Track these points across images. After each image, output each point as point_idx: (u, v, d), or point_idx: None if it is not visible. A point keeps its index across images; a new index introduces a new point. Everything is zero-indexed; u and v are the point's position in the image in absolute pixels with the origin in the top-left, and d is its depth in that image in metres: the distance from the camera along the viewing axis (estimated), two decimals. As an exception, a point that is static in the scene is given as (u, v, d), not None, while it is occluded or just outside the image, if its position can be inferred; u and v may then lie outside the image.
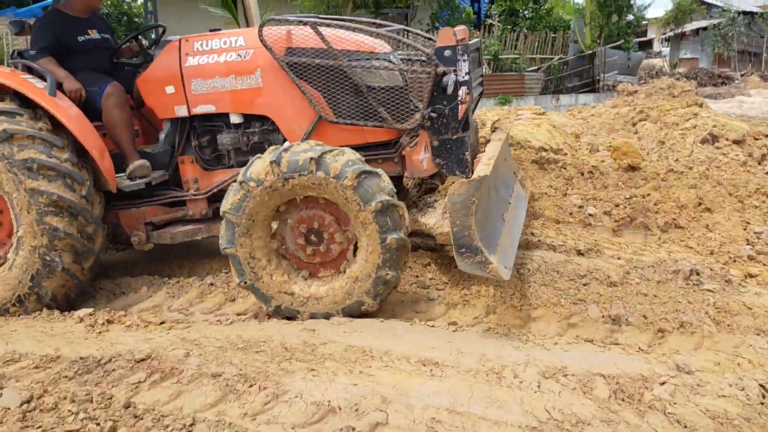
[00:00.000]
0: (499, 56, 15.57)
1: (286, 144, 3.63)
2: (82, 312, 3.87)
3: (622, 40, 17.20)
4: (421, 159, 3.95)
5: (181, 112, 4.23)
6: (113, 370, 3.14)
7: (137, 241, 4.43)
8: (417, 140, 3.94)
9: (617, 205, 4.98)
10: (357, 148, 3.83)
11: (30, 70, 4.28)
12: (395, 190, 3.55)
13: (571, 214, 4.95)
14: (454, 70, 3.76)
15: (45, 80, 4.11)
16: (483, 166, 3.55)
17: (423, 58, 3.90)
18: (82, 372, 3.15)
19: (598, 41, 17.19)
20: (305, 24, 3.94)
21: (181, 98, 4.19)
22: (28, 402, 2.75)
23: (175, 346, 3.34)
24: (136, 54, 4.83)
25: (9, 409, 2.70)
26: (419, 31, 4.56)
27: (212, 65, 4.09)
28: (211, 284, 4.30)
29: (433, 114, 3.83)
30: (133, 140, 4.42)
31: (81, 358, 3.24)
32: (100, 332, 3.63)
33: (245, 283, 3.69)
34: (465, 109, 3.82)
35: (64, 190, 3.91)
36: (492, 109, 6.57)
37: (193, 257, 4.99)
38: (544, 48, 16.80)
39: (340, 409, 2.70)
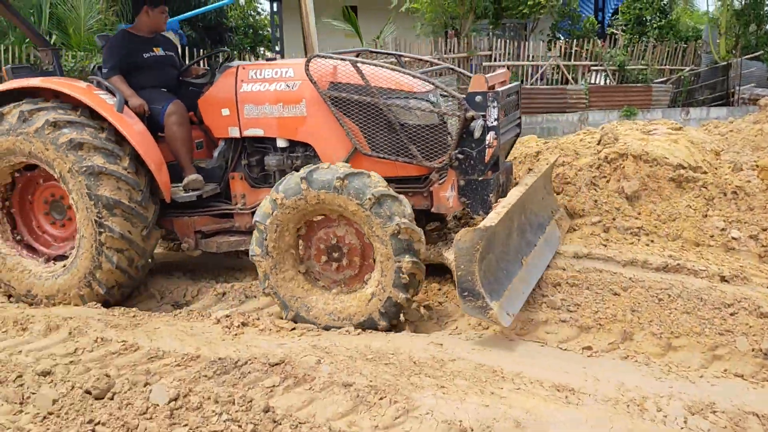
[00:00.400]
0: (625, 67, 14.99)
1: (318, 164, 3.88)
2: (219, 313, 4.04)
3: (761, 51, 16.07)
4: (447, 196, 4.14)
5: (234, 133, 4.54)
6: (249, 372, 3.24)
7: (187, 246, 4.77)
8: (445, 178, 4.12)
9: (765, 230, 4.62)
10: (389, 180, 3.98)
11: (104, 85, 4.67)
12: (414, 216, 3.73)
13: (712, 236, 4.64)
14: (483, 116, 3.90)
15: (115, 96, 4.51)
16: (494, 215, 3.61)
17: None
18: (220, 372, 3.28)
19: (734, 52, 16.16)
20: (347, 61, 4.16)
21: (235, 120, 4.50)
22: (174, 400, 2.89)
23: (306, 353, 3.41)
24: (201, 74, 5.14)
25: (158, 405, 2.85)
26: (464, 71, 4.72)
27: (263, 93, 4.40)
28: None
29: (460, 155, 3.98)
30: (191, 155, 4.71)
31: (219, 358, 3.38)
32: (236, 334, 3.78)
33: (268, 289, 3.96)
34: (492, 153, 3.96)
35: (121, 195, 4.25)
36: (619, 122, 6.28)
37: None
38: (673, 59, 16.00)
39: (471, 430, 2.65)
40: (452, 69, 5.19)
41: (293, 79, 4.33)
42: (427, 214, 4.41)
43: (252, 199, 4.61)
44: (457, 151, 3.97)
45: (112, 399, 2.95)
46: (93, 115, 4.40)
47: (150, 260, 4.65)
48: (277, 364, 3.27)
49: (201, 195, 4.58)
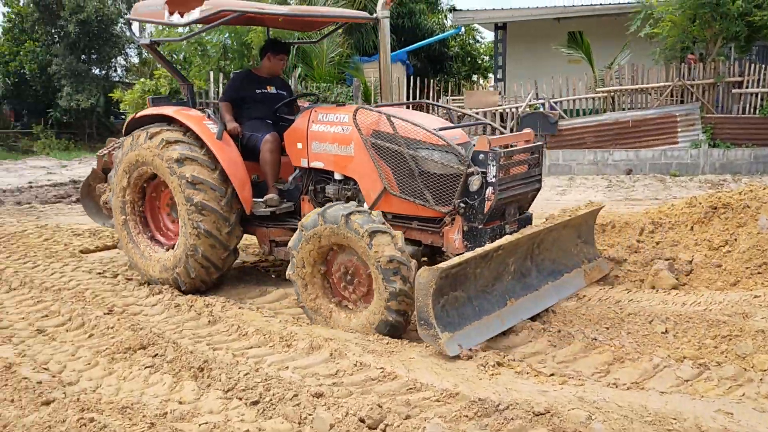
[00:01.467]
0: None
1: (337, 203, 4.63)
2: (478, 354, 3.94)
3: None
4: (454, 239, 4.66)
5: (304, 163, 5.43)
6: (512, 419, 3.09)
7: (262, 251, 5.85)
8: (454, 222, 4.63)
9: None
10: (412, 218, 4.86)
11: (216, 111, 5.80)
12: (405, 249, 4.30)
13: None
14: (484, 172, 4.43)
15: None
16: (456, 258, 4.03)
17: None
18: (481, 414, 3.17)
19: None
20: (382, 114, 4.84)
21: (305, 153, 5.38)
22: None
23: (573, 405, 3.18)
24: (297, 111, 5.79)
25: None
26: (497, 126, 5.71)
27: (326, 133, 5.22)
28: (594, 339, 4.09)
29: (462, 204, 4.52)
30: (276, 177, 5.61)
31: (479, 399, 3.27)
32: (492, 375, 3.65)
33: (301, 304, 4.75)
34: (491, 206, 4.47)
35: (208, 199, 5.27)
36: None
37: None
38: None
39: None
40: (490, 124, 5.98)
41: (347, 124, 5.08)
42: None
43: None
44: (459, 201, 4.52)
45: (384, 431, 2.97)
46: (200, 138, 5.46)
47: (234, 256, 5.64)
48: (541, 414, 3.09)
49: (275, 211, 5.47)
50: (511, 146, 4.82)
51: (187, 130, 5.49)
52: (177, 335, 4.53)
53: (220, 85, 13.78)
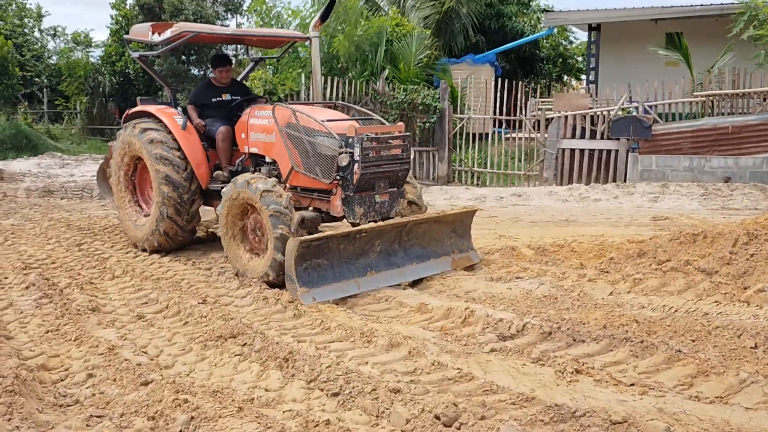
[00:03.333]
0: None
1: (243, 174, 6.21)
2: (557, 361, 3.94)
3: None
4: (337, 204, 5.95)
5: (246, 149, 6.83)
6: (588, 426, 3.09)
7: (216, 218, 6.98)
8: (336, 192, 5.91)
9: None
10: (314, 190, 6.17)
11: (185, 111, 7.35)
12: (288, 204, 5.69)
13: None
14: (351, 152, 5.72)
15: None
16: (318, 234, 5.48)
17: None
18: (557, 420, 3.19)
19: None
20: (291, 109, 6.23)
21: (246, 141, 6.80)
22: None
23: (652, 416, 3.15)
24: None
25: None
26: (383, 120, 7.21)
27: (258, 125, 6.67)
28: (679, 351, 3.99)
29: (338, 177, 5.82)
30: (228, 161, 7.02)
31: (555, 404, 3.28)
32: (570, 381, 3.65)
33: (225, 254, 6.29)
34: (358, 179, 5.75)
35: (171, 172, 6.76)
36: None
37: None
38: None
39: None
40: (379, 119, 7.24)
41: (270, 117, 6.41)
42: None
43: None
44: (336, 174, 5.81)
45: (459, 429, 3.04)
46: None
47: (195, 220, 7.10)
48: (619, 423, 3.07)
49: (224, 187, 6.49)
50: (382, 134, 5.97)
51: (160, 122, 7.07)
52: (264, 326, 4.75)
53: (304, 87, 14.18)
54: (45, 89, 26.41)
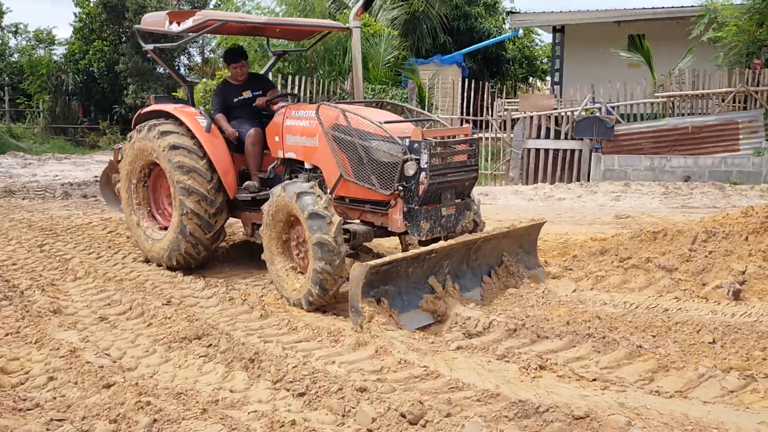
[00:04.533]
0: None
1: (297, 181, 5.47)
2: (521, 357, 3.99)
3: None
4: (397, 219, 5.19)
5: (281, 154, 6.08)
6: (551, 421, 3.13)
7: (246, 233, 6.38)
8: (396, 205, 5.16)
9: None
10: (365, 202, 5.42)
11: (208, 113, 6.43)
12: (339, 235, 4.91)
13: None
14: (417, 159, 4.98)
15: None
16: (388, 258, 4.68)
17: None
18: (521, 416, 3.22)
19: None
20: (340, 109, 5.45)
21: (281, 145, 6.04)
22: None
23: (613, 410, 3.21)
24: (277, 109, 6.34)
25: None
26: (444, 123, 6.26)
27: (296, 127, 5.87)
28: (639, 346, 4.07)
29: (400, 188, 5.06)
30: (258, 167, 6.25)
31: (519, 400, 3.32)
32: (534, 377, 3.70)
33: (263, 257, 5.49)
34: (425, 189, 5.01)
35: (195, 183, 5.91)
36: None
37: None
38: None
39: None
40: (438, 121, 6.39)
41: (312, 119, 5.65)
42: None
43: None
44: (398, 185, 5.05)
45: (424, 427, 3.06)
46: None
47: (220, 236, 6.29)
48: (581, 418, 3.12)
49: (255, 197, 6.03)
50: (449, 138, 5.27)
51: (180, 124, 6.21)
52: (230, 327, 4.72)
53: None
54: (6, 88, 25.83)
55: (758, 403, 3.36)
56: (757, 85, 13.10)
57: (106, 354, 4.31)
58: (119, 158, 7.46)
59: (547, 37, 27.61)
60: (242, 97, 6.56)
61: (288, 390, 3.60)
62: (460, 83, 15.54)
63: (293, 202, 5.03)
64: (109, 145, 22.37)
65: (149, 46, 6.60)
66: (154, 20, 6.43)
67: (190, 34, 6.21)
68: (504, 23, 25.26)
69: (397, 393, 3.53)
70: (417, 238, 5.13)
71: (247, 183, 6.13)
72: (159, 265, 6.43)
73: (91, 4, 24.53)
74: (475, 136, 5.43)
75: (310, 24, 6.95)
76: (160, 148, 6.09)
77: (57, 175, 14.82)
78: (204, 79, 16.67)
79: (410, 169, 4.98)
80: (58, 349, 4.29)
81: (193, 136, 6.10)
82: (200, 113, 6.33)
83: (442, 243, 4.95)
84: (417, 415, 3.08)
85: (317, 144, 5.62)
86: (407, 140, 5.08)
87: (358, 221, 5.57)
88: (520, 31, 25.61)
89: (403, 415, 3.11)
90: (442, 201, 5.21)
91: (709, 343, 4.13)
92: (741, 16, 12.93)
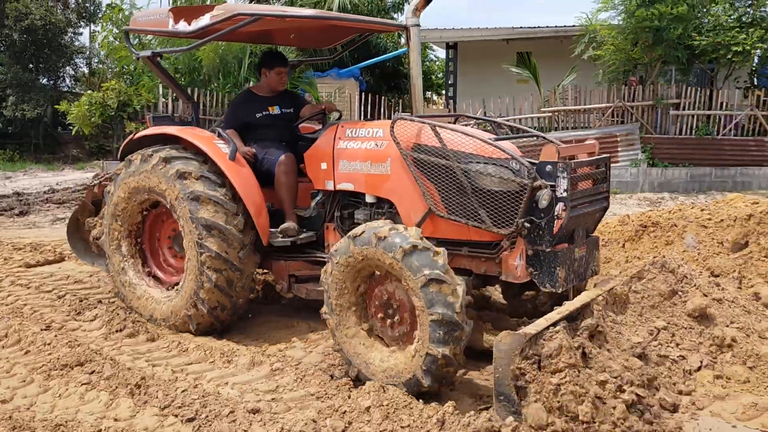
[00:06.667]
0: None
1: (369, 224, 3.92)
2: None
3: None
4: (516, 265, 3.96)
5: (329, 186, 4.76)
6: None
7: (280, 288, 4.99)
8: (515, 246, 3.94)
9: None
10: (462, 244, 4.14)
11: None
12: (447, 267, 3.55)
13: None
14: (552, 186, 3.75)
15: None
16: (542, 320, 3.33)
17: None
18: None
19: None
20: (426, 125, 4.22)
21: (330, 174, 4.73)
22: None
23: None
24: (316, 131, 5.22)
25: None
26: (552, 139, 4.52)
27: (355, 150, 4.57)
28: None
29: (527, 224, 3.82)
30: (294, 203, 4.97)
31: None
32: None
33: (336, 345, 3.98)
34: (561, 224, 3.77)
35: (218, 218, 4.61)
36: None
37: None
38: None
39: None
40: (543, 137, 4.92)
41: (381, 138, 4.46)
42: (527, 284, 4.14)
43: None
44: (524, 220, 3.81)
45: (317, 445, 3.03)
46: (211, 160, 4.85)
47: (252, 284, 5.00)
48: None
49: (295, 241, 4.82)
50: (575, 158, 4.10)
51: (195, 150, 4.91)
52: (116, 352, 4.50)
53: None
54: None
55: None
56: (633, 101, 14.02)
57: (-23, 387, 4.00)
58: (93, 198, 6.18)
59: (441, 53, 28.33)
60: (268, 113, 5.31)
61: (176, 416, 3.47)
62: (357, 96, 15.65)
63: (400, 263, 3.59)
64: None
65: (146, 53, 5.20)
66: (151, 20, 5.19)
67: (208, 35, 4.90)
68: (400, 38, 25.71)
69: (293, 412, 3.49)
70: (550, 289, 3.88)
71: (284, 225, 4.85)
72: (173, 328, 4.93)
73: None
74: (606, 155, 4.37)
75: (363, 21, 5.13)
76: (166, 179, 4.75)
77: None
78: (89, 91, 15.90)
79: (544, 200, 3.77)
80: None
81: (205, 161, 4.83)
82: (218, 136, 5.05)
83: (588, 293, 3.84)
84: (310, 435, 3.05)
85: (389, 171, 4.40)
86: (537, 162, 3.89)
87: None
88: (416, 47, 26.15)
89: (295, 436, 3.07)
90: (575, 240, 4.04)
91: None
92: (617, 36, 13.79)
